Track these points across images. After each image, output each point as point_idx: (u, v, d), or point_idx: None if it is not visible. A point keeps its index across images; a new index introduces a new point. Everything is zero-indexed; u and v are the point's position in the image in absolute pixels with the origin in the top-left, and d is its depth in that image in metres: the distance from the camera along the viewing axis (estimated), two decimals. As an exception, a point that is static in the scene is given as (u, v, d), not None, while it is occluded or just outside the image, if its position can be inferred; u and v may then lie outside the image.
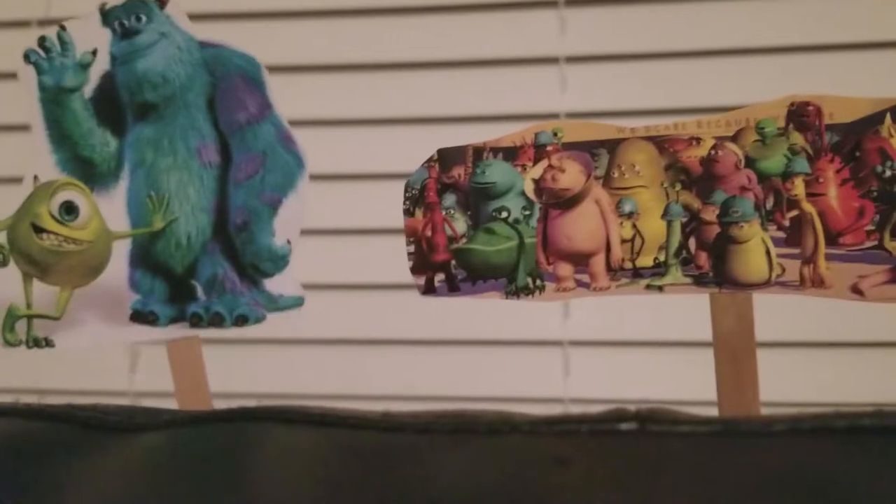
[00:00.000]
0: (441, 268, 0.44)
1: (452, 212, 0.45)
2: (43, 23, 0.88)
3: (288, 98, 0.85)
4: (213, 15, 0.85)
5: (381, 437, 0.28)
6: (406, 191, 0.45)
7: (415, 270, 0.45)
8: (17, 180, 0.44)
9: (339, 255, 0.82)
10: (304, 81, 0.85)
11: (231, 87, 0.43)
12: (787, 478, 0.25)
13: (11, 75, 0.43)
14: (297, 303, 0.44)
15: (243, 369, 0.79)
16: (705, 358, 0.43)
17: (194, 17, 0.44)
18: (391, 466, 0.26)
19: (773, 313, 0.46)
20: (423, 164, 0.45)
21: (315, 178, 0.82)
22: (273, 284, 0.44)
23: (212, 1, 0.85)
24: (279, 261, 0.44)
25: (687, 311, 0.48)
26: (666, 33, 0.81)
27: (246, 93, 0.43)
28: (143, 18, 0.42)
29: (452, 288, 0.45)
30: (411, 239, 0.45)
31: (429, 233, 0.44)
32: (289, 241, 0.44)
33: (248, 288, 0.44)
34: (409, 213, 0.45)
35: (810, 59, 0.78)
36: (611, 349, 0.80)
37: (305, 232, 0.44)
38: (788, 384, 0.73)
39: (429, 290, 0.45)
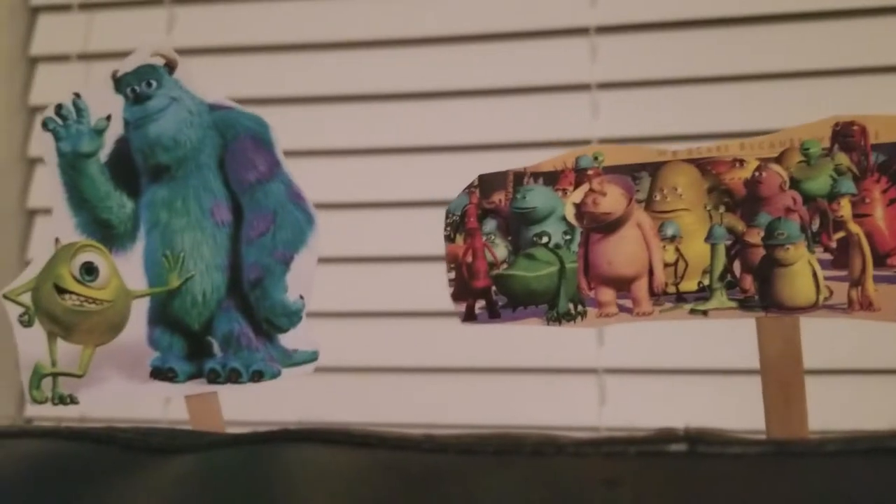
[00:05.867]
0: (482, 294, 0.44)
1: (493, 237, 0.45)
2: (83, 57, 0.90)
3: (334, 129, 0.86)
4: (238, 48, 0.87)
5: (425, 457, 0.28)
6: (447, 217, 0.45)
7: (455, 297, 0.45)
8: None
9: (378, 282, 0.83)
10: (351, 112, 0.86)
11: (241, 147, 0.44)
12: (841, 500, 0.24)
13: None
14: (312, 357, 0.45)
15: (280, 397, 0.79)
16: (747, 385, 0.42)
17: (210, 52, 0.44)
18: (435, 487, 0.26)
19: (820, 338, 0.45)
20: (463, 190, 0.45)
21: (360, 206, 0.83)
22: (287, 339, 0.45)
23: (236, 35, 0.87)
24: (293, 316, 0.44)
25: (726, 336, 0.48)
26: (696, 58, 0.81)
27: (255, 153, 0.44)
28: (154, 84, 0.43)
29: (493, 315, 0.44)
30: (452, 265, 0.45)
31: (469, 259, 0.44)
32: (301, 297, 0.44)
33: (263, 343, 0.45)
34: (449, 238, 0.45)
35: (843, 82, 0.77)
36: (647, 377, 0.79)
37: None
38: (837, 411, 0.71)
39: (469, 317, 0.45)
